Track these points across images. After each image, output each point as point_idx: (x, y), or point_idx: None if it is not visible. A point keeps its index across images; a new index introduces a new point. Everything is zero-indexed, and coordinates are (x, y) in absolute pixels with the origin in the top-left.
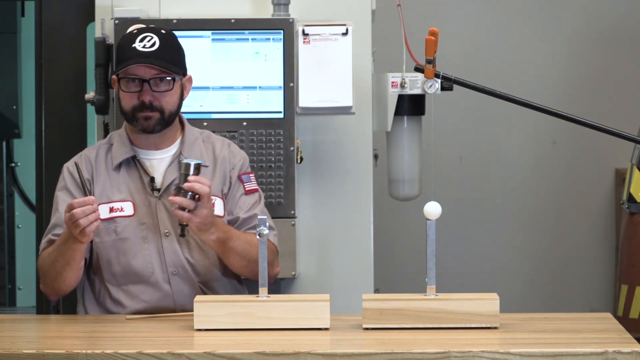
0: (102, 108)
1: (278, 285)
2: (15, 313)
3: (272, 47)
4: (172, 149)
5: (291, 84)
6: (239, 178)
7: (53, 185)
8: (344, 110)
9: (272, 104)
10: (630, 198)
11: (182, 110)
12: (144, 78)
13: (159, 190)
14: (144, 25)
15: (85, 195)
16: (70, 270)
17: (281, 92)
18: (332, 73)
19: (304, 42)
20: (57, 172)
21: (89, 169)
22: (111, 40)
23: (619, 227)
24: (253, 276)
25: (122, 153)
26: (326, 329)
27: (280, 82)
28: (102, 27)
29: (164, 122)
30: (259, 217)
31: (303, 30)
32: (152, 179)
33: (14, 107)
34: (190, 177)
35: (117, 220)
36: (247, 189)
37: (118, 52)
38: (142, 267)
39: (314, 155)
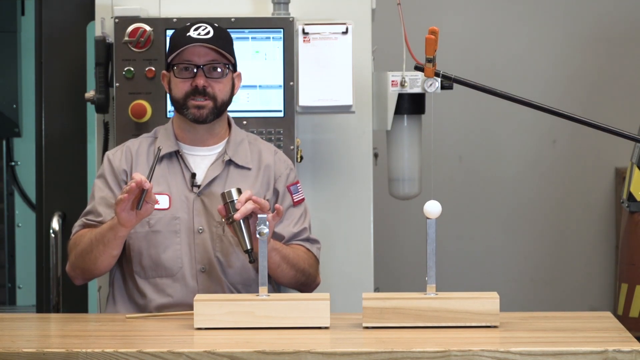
0: (102, 107)
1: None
2: (15, 312)
3: (272, 46)
4: (218, 148)
5: (291, 83)
6: (288, 189)
7: (53, 184)
8: (344, 109)
9: (272, 103)
10: (630, 197)
11: None
12: (198, 64)
13: (199, 186)
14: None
15: (119, 184)
16: (109, 256)
17: (281, 91)
18: (332, 72)
19: (304, 41)
20: (57, 170)
21: (128, 159)
22: (111, 39)
23: (619, 226)
24: (299, 286)
25: (166, 147)
26: (326, 327)
27: (280, 81)
28: (102, 26)
29: (216, 112)
30: (259, 216)
31: (303, 29)
32: (194, 175)
33: (14, 105)
34: (238, 204)
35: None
36: (295, 200)
37: (171, 44)
38: (171, 261)
39: (314, 154)
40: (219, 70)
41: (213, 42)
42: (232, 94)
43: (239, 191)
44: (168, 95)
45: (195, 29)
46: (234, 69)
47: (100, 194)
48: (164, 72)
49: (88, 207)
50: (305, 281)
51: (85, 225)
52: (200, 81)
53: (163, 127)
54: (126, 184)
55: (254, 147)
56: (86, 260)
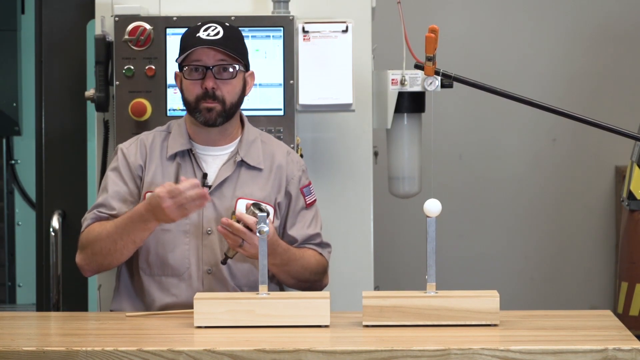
0: (102, 105)
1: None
2: (15, 310)
3: (272, 45)
4: (230, 147)
5: (291, 82)
6: (301, 192)
7: (53, 183)
8: (344, 108)
9: (272, 102)
10: (630, 195)
11: (178, 107)
12: (207, 65)
13: (210, 187)
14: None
15: (134, 179)
16: (133, 249)
17: (281, 90)
18: (332, 70)
19: (304, 39)
20: (57, 169)
21: (143, 154)
22: (111, 37)
23: (619, 224)
24: (298, 288)
25: (179, 145)
26: (326, 326)
27: (280, 79)
28: (102, 25)
29: (225, 115)
30: (259, 214)
31: (303, 28)
32: (205, 175)
33: (14, 104)
34: (252, 222)
35: None
36: (307, 202)
37: (182, 44)
38: (179, 262)
39: (314, 153)
40: (229, 70)
41: (221, 43)
42: (242, 94)
43: (260, 210)
44: (167, 94)
45: (205, 30)
46: (246, 68)
47: (115, 187)
48: (177, 72)
49: (100, 200)
50: (308, 287)
51: (97, 218)
52: (210, 83)
53: (177, 122)
54: (141, 179)
55: (266, 147)
56: (110, 257)
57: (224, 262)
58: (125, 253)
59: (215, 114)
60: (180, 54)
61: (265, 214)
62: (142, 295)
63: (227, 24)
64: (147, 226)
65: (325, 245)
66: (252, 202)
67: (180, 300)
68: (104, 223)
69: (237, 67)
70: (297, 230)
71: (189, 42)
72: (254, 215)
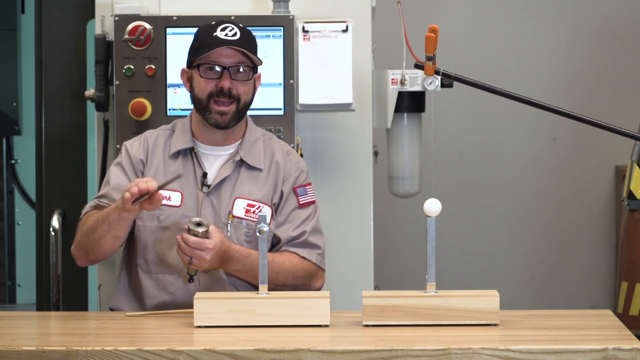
0: (102, 105)
1: None
2: (15, 310)
3: (272, 44)
4: (232, 147)
5: (291, 81)
6: (294, 191)
7: (53, 183)
8: (344, 107)
9: (272, 101)
10: (630, 195)
11: (178, 106)
12: (225, 65)
13: (209, 186)
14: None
15: (136, 173)
16: (112, 236)
17: (281, 89)
18: (332, 70)
19: (304, 39)
20: (57, 169)
21: (145, 149)
22: (111, 37)
23: (619, 224)
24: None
25: (182, 143)
26: (326, 325)
27: (280, 79)
28: (102, 24)
29: (238, 116)
30: (259, 214)
31: (303, 27)
32: (205, 175)
33: (14, 104)
34: (192, 241)
35: (162, 208)
36: (301, 202)
37: (196, 42)
38: (176, 259)
39: (314, 152)
40: (246, 71)
41: (241, 43)
42: (253, 95)
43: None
44: (167, 94)
45: (222, 29)
46: (255, 70)
47: (116, 180)
48: (185, 69)
49: (102, 191)
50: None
51: (96, 207)
52: (226, 83)
53: (181, 121)
54: (142, 174)
55: (267, 147)
56: (90, 238)
57: (190, 280)
58: (104, 239)
59: (228, 118)
60: (195, 53)
61: (206, 228)
62: (140, 292)
63: (241, 25)
64: (119, 212)
65: (313, 246)
66: (193, 220)
67: (178, 298)
68: (97, 211)
69: (253, 68)
70: (283, 231)
71: (206, 42)
72: (191, 232)
